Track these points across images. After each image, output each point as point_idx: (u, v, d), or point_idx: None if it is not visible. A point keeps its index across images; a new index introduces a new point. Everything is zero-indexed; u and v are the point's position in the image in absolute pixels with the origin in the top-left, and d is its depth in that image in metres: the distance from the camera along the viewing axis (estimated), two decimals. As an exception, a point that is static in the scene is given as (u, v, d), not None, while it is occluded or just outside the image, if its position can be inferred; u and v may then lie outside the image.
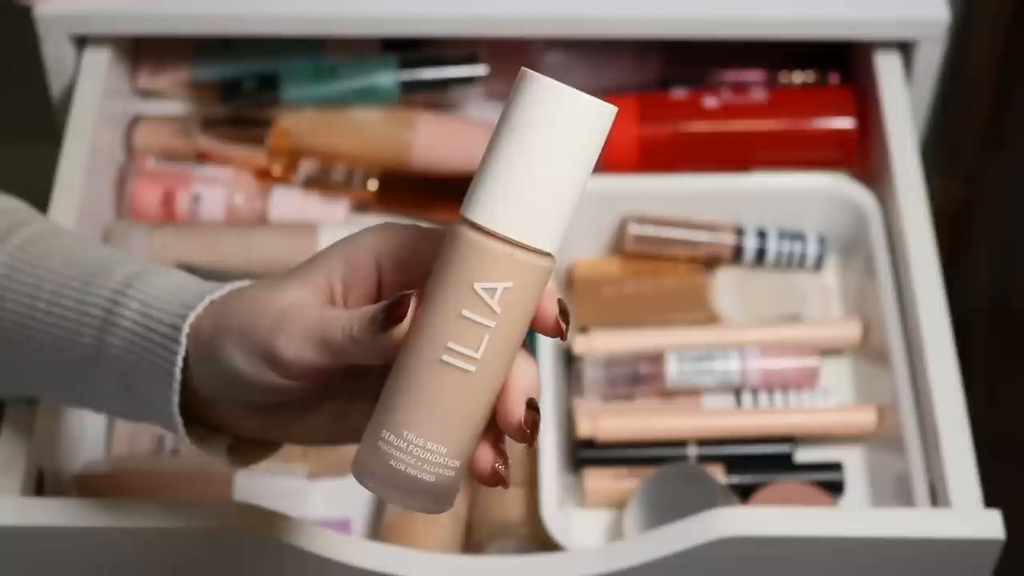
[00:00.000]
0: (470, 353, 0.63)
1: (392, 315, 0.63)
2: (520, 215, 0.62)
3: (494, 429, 0.66)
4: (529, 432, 0.64)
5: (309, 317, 0.66)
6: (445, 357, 0.63)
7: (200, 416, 0.74)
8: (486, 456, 0.66)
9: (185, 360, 0.72)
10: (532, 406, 0.65)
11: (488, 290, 0.62)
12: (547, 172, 0.62)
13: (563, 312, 0.65)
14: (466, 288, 0.62)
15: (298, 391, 0.69)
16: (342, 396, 0.71)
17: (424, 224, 0.68)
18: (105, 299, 0.75)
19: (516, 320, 0.63)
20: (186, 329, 0.71)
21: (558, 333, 0.65)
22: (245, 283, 0.72)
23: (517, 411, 0.64)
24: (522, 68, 0.63)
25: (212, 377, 0.70)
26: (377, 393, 0.65)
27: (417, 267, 0.66)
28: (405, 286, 0.65)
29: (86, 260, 0.78)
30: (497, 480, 0.66)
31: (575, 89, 0.62)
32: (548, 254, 0.63)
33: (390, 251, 0.67)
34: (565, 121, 0.62)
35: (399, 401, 0.64)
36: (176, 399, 0.72)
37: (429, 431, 0.63)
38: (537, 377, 0.66)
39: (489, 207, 0.62)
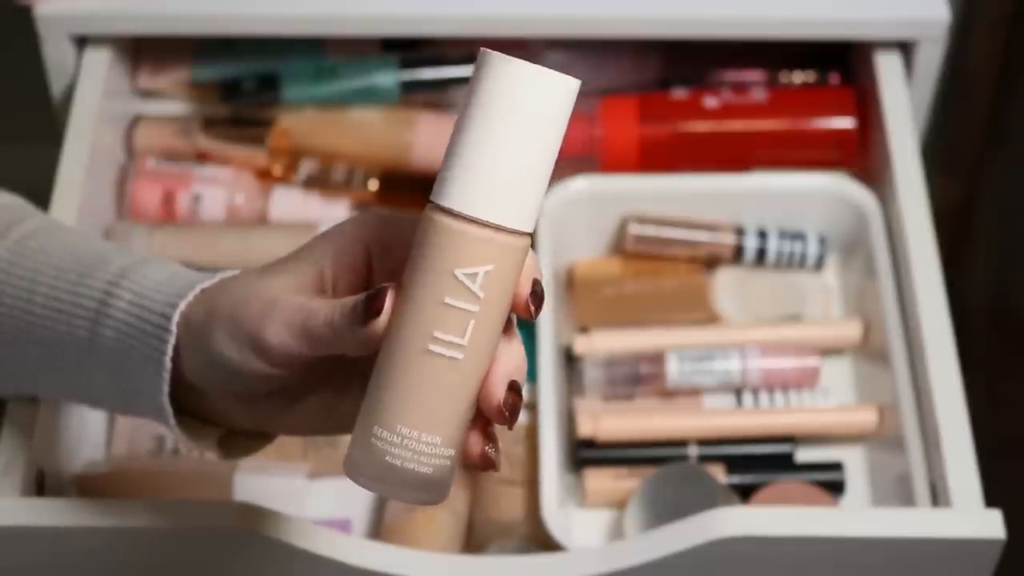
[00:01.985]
0: (456, 340, 0.63)
1: (371, 307, 0.63)
2: (494, 197, 0.62)
3: (482, 417, 0.66)
4: (508, 415, 0.64)
5: (294, 306, 0.66)
6: (431, 347, 0.63)
7: (192, 409, 0.74)
8: (476, 440, 0.66)
9: (176, 350, 0.72)
10: (514, 388, 0.65)
11: (469, 275, 0.62)
12: (516, 151, 0.62)
13: (535, 294, 0.65)
14: (446, 275, 0.62)
15: (284, 380, 0.69)
16: (331, 387, 0.71)
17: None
18: (99, 290, 0.75)
19: (498, 303, 0.63)
20: (176, 318, 0.71)
21: (527, 314, 0.65)
22: (236, 271, 0.72)
23: (498, 393, 0.64)
24: (481, 48, 0.63)
25: (203, 365, 0.70)
26: (365, 384, 0.65)
27: (406, 254, 0.66)
28: (395, 273, 0.66)
29: (82, 253, 0.78)
30: (487, 464, 0.66)
31: (535, 64, 0.62)
32: (526, 234, 0.63)
33: (379, 239, 0.68)
34: (529, 98, 0.61)
35: (389, 395, 0.64)
36: (166, 388, 0.72)
37: (422, 423, 0.63)
38: (522, 360, 0.66)
39: (461, 191, 0.62)
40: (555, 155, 0.63)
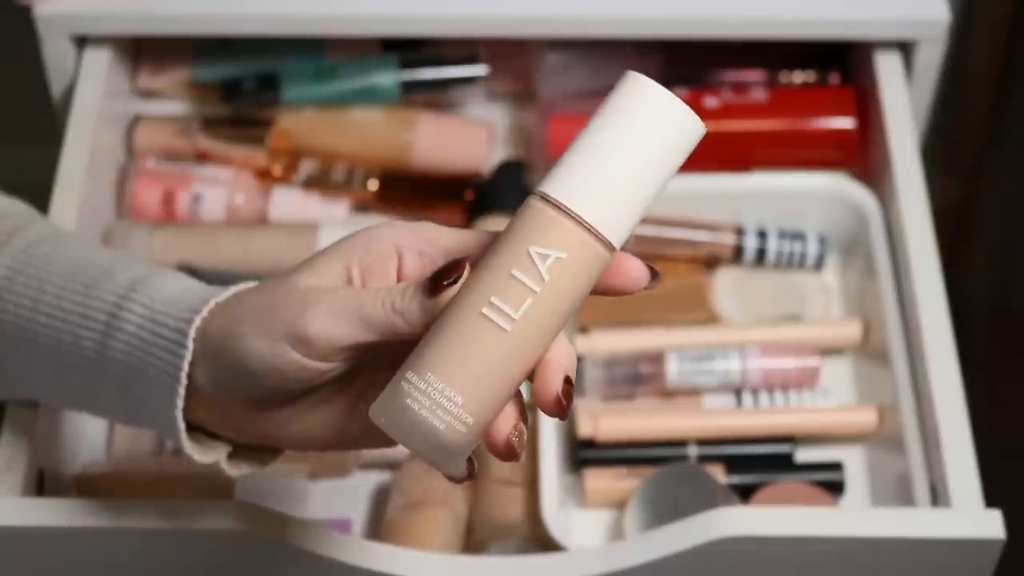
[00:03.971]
0: (510, 312, 0.64)
1: (445, 277, 0.64)
2: (591, 198, 0.64)
3: (518, 403, 0.66)
4: (565, 405, 0.65)
5: (342, 296, 0.67)
6: (485, 310, 0.64)
7: (200, 423, 0.74)
8: (505, 426, 0.66)
9: (191, 365, 0.71)
10: (569, 382, 0.65)
11: (541, 255, 0.64)
12: (629, 168, 0.64)
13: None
14: (521, 250, 0.64)
15: (314, 377, 0.68)
16: (347, 398, 0.71)
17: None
18: (109, 303, 0.75)
19: (561, 296, 0.64)
20: (192, 333, 0.71)
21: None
22: (250, 284, 0.73)
23: (555, 383, 0.65)
24: (630, 71, 0.66)
25: (227, 375, 0.70)
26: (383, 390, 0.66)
27: (440, 259, 0.67)
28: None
29: (88, 264, 0.78)
30: (510, 453, 0.66)
31: (678, 99, 0.65)
32: (608, 243, 0.64)
33: (412, 244, 0.68)
34: (662, 125, 0.65)
35: (430, 346, 0.64)
36: (180, 403, 0.72)
37: (450, 378, 0.64)
38: (575, 361, 0.66)
39: (563, 184, 0.64)
40: (661, 188, 0.65)
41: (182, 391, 0.72)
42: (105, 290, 0.75)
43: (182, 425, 0.72)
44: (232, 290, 0.73)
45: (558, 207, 0.64)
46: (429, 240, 0.68)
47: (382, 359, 0.69)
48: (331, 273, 0.68)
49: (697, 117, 0.65)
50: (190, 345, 0.71)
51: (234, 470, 0.75)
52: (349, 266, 0.68)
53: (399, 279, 0.69)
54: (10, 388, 0.83)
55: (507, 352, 0.64)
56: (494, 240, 0.66)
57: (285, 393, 0.70)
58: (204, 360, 0.71)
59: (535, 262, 0.64)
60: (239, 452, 0.75)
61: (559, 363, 0.65)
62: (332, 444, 0.72)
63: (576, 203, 0.64)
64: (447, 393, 0.64)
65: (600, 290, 0.66)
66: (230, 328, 0.69)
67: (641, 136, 0.64)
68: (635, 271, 0.66)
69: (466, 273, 0.65)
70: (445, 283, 0.65)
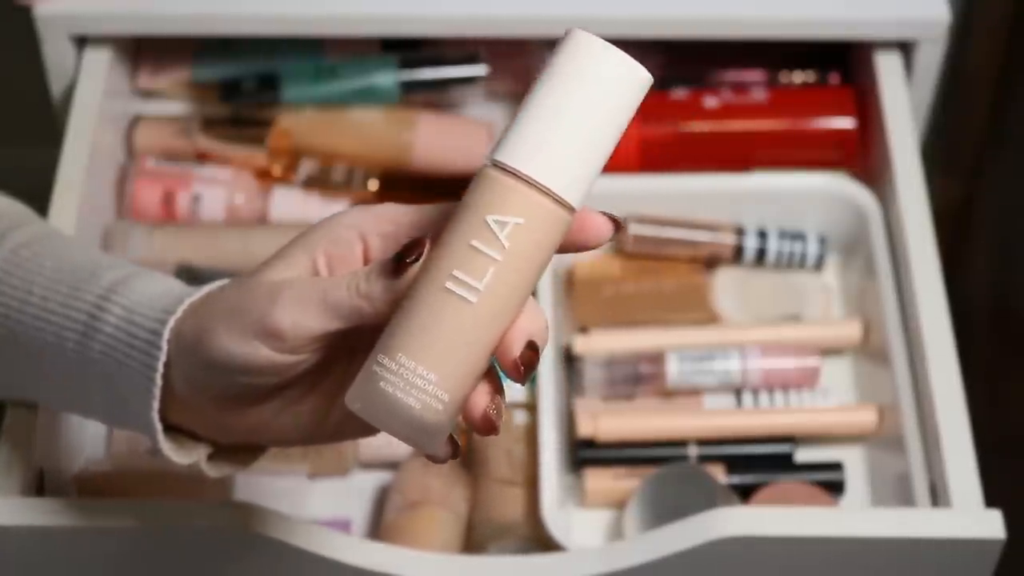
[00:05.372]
0: (473, 283, 0.63)
1: (406, 256, 0.64)
2: (543, 159, 0.63)
3: (493, 377, 0.66)
4: (524, 370, 0.65)
5: (307, 286, 0.66)
6: (448, 284, 0.63)
7: (181, 424, 0.74)
8: (480, 400, 0.65)
9: (167, 365, 0.71)
10: (532, 347, 0.65)
11: (499, 223, 0.63)
12: (577, 123, 0.64)
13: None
14: (479, 219, 0.63)
15: (288, 370, 0.68)
16: (325, 391, 0.71)
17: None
18: (89, 304, 0.75)
19: (524, 262, 0.64)
20: (167, 334, 0.71)
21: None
22: (223, 282, 0.72)
23: (515, 347, 0.65)
24: (571, 27, 0.65)
25: (200, 374, 0.70)
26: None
27: (404, 238, 0.67)
28: None
29: (76, 265, 0.78)
30: (488, 427, 0.66)
31: (621, 51, 0.64)
32: (566, 204, 0.64)
33: (375, 226, 0.68)
34: (607, 79, 0.64)
35: (398, 327, 0.64)
36: (156, 404, 0.72)
37: (421, 356, 0.64)
38: (545, 326, 0.66)
39: (513, 148, 0.64)
40: (614, 141, 0.64)
41: (157, 392, 0.71)
42: (87, 291, 0.76)
43: (158, 426, 0.72)
44: (205, 289, 0.73)
45: (511, 173, 0.63)
46: (391, 220, 0.68)
47: (355, 350, 0.69)
48: (298, 265, 0.68)
49: (641, 67, 0.64)
50: (164, 346, 0.71)
51: (214, 471, 0.75)
52: (315, 256, 0.68)
53: (366, 264, 0.68)
54: (7, 389, 0.84)
55: (475, 324, 0.64)
56: (453, 213, 0.65)
57: (259, 390, 0.70)
58: (180, 360, 0.71)
59: (493, 230, 0.63)
60: (221, 453, 0.75)
61: (523, 328, 0.65)
62: (313, 438, 0.72)
63: (529, 167, 0.63)
64: (420, 372, 0.64)
65: (566, 248, 0.66)
66: (202, 327, 0.69)
67: (588, 93, 0.64)
68: (599, 225, 0.66)
69: (427, 250, 0.64)
70: (407, 261, 0.64)
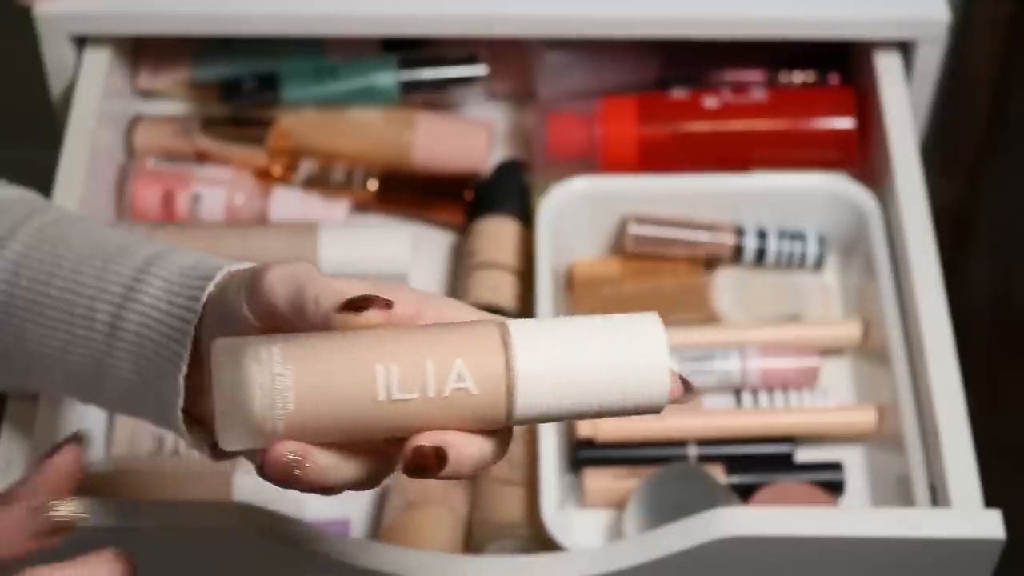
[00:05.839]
0: (394, 390, 0.63)
1: (361, 303, 0.63)
2: (536, 369, 0.63)
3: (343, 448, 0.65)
4: (406, 462, 0.64)
5: (307, 266, 0.66)
6: (379, 368, 0.63)
7: (201, 418, 0.74)
8: (287, 447, 0.64)
9: (198, 328, 0.71)
10: (432, 453, 0.64)
11: (459, 375, 0.63)
12: (585, 372, 0.64)
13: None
14: (451, 353, 0.63)
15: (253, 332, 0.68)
16: None
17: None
18: (127, 277, 0.75)
19: (436, 415, 0.63)
20: (204, 297, 0.71)
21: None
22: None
23: (417, 440, 0.64)
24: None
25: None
26: None
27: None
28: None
29: (107, 242, 0.78)
30: (282, 474, 0.64)
31: (672, 367, 0.64)
32: (510, 414, 0.63)
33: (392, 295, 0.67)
34: (640, 367, 0.64)
35: (315, 350, 0.63)
36: (184, 367, 0.71)
37: (302, 388, 0.63)
38: (479, 454, 0.65)
39: (528, 337, 0.63)
40: (590, 412, 0.65)
41: (187, 352, 0.71)
42: (123, 264, 0.76)
43: (182, 383, 0.72)
44: (248, 264, 0.73)
45: (508, 354, 0.63)
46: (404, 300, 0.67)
47: None
48: None
49: (668, 391, 0.64)
50: (199, 309, 0.71)
51: (218, 457, 0.75)
52: None
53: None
54: (21, 374, 0.83)
55: (365, 416, 0.63)
56: (447, 317, 0.65)
57: None
58: (210, 322, 0.71)
59: (450, 375, 0.63)
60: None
61: (440, 437, 0.64)
62: None
63: (520, 353, 0.63)
64: (288, 395, 0.63)
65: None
66: (230, 288, 0.70)
67: (617, 358, 0.64)
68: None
69: (381, 316, 0.64)
70: (356, 307, 0.64)
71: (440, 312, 0.67)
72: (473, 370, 0.63)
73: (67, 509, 0.66)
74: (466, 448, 0.64)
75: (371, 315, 0.64)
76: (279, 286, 0.66)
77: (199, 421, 0.74)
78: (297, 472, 0.64)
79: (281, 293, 0.66)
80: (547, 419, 0.65)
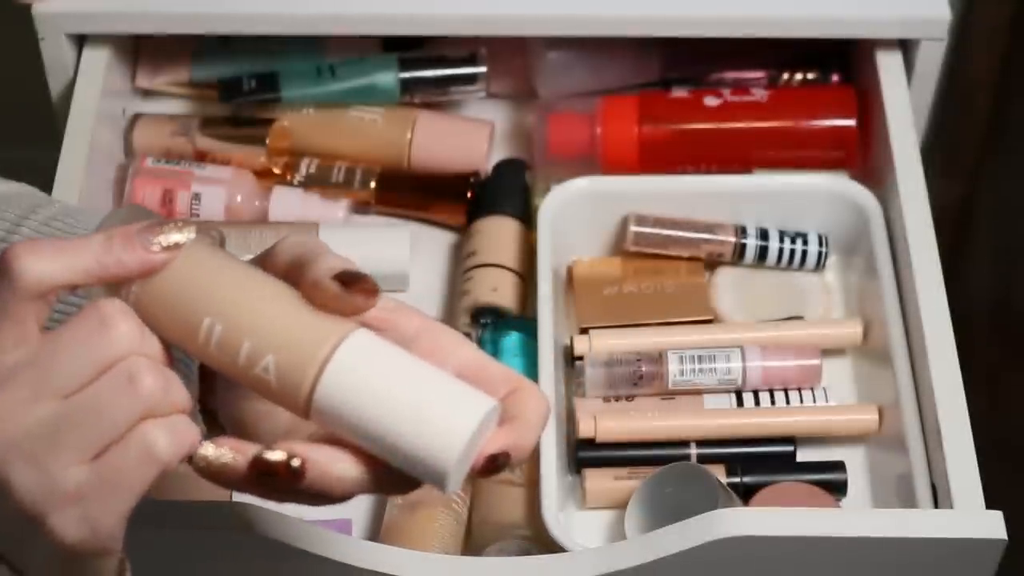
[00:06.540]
0: (216, 349, 0.63)
1: (353, 282, 0.64)
2: (345, 383, 0.62)
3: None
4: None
5: (322, 241, 0.67)
6: (206, 328, 0.63)
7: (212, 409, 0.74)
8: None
9: None
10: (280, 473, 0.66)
11: (265, 366, 0.63)
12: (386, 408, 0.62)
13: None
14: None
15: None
16: None
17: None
18: None
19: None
20: None
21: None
22: None
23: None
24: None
25: None
26: None
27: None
28: None
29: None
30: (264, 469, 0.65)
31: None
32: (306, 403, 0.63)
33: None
34: (441, 415, 0.62)
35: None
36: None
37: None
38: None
39: (367, 352, 0.63)
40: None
41: None
42: None
43: (195, 377, 0.72)
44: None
45: (319, 372, 0.62)
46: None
47: None
48: None
49: (454, 461, 0.61)
50: None
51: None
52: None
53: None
54: None
55: (190, 346, 0.63)
56: (444, 347, 0.65)
57: None
58: None
59: (259, 363, 0.63)
60: None
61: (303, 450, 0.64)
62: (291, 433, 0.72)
63: (324, 386, 0.62)
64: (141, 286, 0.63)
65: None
66: None
67: (425, 412, 0.62)
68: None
69: (362, 300, 0.64)
70: (345, 282, 0.64)
71: (438, 342, 0.67)
72: (280, 368, 0.63)
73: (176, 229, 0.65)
74: (334, 466, 0.64)
75: (356, 298, 0.64)
76: (289, 244, 0.67)
77: (213, 416, 0.74)
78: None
79: (288, 250, 0.67)
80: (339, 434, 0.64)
